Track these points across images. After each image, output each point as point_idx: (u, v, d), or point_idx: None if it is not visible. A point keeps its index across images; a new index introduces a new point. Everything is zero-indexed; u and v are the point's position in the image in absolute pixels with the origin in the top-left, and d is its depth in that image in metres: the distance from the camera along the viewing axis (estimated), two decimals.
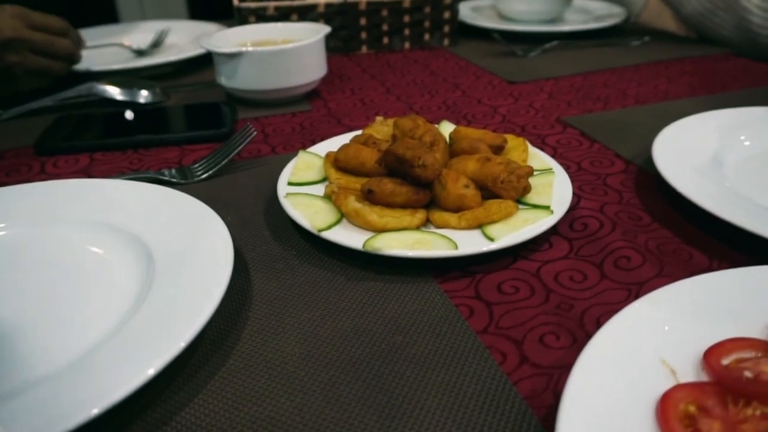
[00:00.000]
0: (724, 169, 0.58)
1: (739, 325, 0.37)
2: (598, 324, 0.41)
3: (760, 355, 0.34)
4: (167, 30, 1.15)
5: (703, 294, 0.39)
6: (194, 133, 0.74)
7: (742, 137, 0.64)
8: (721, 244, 0.50)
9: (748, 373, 0.32)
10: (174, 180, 0.63)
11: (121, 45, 1.13)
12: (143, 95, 0.89)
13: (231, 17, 1.12)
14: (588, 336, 0.39)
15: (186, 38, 1.16)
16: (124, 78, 0.92)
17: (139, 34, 1.18)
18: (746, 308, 0.38)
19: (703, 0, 1.04)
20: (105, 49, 1.11)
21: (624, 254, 0.49)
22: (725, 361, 0.34)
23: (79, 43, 0.93)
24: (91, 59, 1.01)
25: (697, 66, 0.99)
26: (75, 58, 0.92)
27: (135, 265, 0.46)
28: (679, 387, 0.32)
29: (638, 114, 0.79)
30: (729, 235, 0.50)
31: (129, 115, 0.82)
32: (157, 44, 1.11)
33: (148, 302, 0.41)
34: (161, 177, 0.63)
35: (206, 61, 1.01)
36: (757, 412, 0.30)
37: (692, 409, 0.31)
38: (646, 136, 0.67)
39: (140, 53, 1.09)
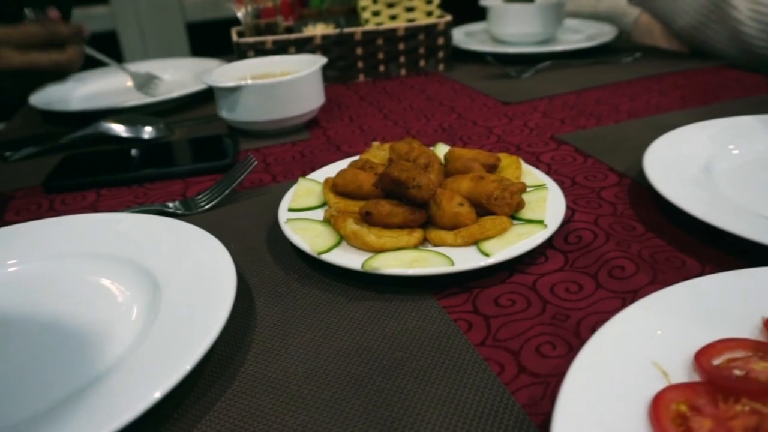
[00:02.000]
0: (715, 178, 0.59)
1: (729, 327, 0.38)
2: (594, 332, 0.42)
3: (750, 354, 0.35)
4: (154, 76, 1.16)
5: (693, 297, 0.40)
6: (197, 165, 0.76)
7: (731, 146, 0.65)
8: (713, 250, 0.51)
9: (737, 371, 0.33)
10: (179, 211, 0.65)
11: (122, 68, 1.14)
12: (147, 131, 0.91)
13: (231, 53, 1.15)
14: (584, 344, 0.40)
15: (188, 74, 1.19)
16: (129, 116, 0.95)
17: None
18: (736, 310, 0.39)
19: (695, 13, 1.06)
20: (109, 88, 1.14)
21: (618, 264, 0.50)
22: (716, 362, 0.35)
23: (78, 53, 0.88)
24: (96, 99, 1.04)
25: (689, 79, 1.01)
26: (74, 67, 0.88)
27: (143, 293, 0.48)
28: (671, 388, 0.33)
29: (631, 128, 0.80)
30: (720, 241, 0.51)
31: (134, 151, 0.85)
32: (152, 78, 1.13)
33: (154, 329, 0.43)
34: (166, 209, 0.65)
35: (208, 95, 1.04)
36: (747, 408, 0.31)
37: (684, 408, 0.32)
38: (639, 149, 0.68)
39: (141, 86, 1.12)
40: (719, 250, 0.51)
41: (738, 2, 1.01)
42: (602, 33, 1.27)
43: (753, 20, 1.01)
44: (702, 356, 0.35)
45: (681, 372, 0.35)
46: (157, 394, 0.35)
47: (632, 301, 0.45)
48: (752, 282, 0.41)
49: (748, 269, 0.42)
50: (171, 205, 0.65)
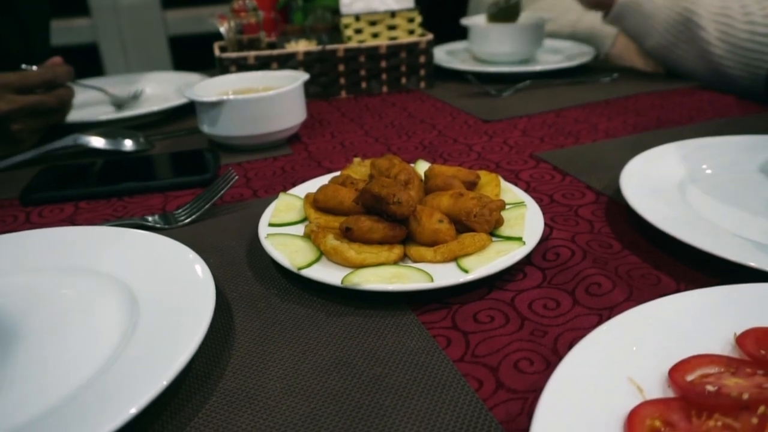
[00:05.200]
0: (689, 197, 0.61)
1: (703, 343, 0.38)
2: (571, 348, 0.42)
3: (722, 370, 0.36)
4: (141, 90, 1.16)
5: (668, 314, 0.41)
6: (178, 179, 0.76)
7: (704, 166, 0.67)
8: (687, 268, 0.52)
9: (710, 387, 0.34)
10: (158, 225, 0.64)
11: (105, 92, 1.14)
12: (127, 144, 0.91)
13: (213, 67, 1.15)
14: (561, 360, 0.41)
15: (169, 88, 1.19)
16: (108, 128, 0.94)
17: (125, 86, 1.20)
18: (709, 326, 0.40)
19: (666, 33, 1.09)
20: (89, 100, 1.13)
21: (595, 281, 0.51)
22: (690, 377, 0.36)
23: (70, 92, 0.94)
24: (75, 111, 1.03)
25: (664, 99, 1.03)
26: (69, 106, 0.94)
27: (120, 307, 0.47)
28: (645, 404, 0.34)
29: (608, 147, 0.82)
30: (694, 259, 0.52)
31: (113, 164, 0.84)
32: (135, 97, 1.13)
33: (132, 343, 0.42)
34: (145, 223, 0.64)
35: (189, 109, 1.04)
36: (719, 423, 0.31)
37: (658, 424, 0.32)
38: (616, 167, 0.69)
39: (120, 106, 1.11)
40: (693, 268, 0.52)
41: (706, 23, 1.04)
42: (581, 53, 1.29)
43: (720, 41, 1.04)
44: (676, 372, 0.36)
45: (656, 387, 0.36)
46: (134, 410, 0.35)
47: (608, 317, 0.45)
48: (724, 299, 0.42)
49: (721, 287, 0.43)
50: (150, 218, 0.65)
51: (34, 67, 0.90)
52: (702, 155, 0.69)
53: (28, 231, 0.59)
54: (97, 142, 0.90)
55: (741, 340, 0.38)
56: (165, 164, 0.84)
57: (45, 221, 0.69)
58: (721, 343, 0.38)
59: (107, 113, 1.06)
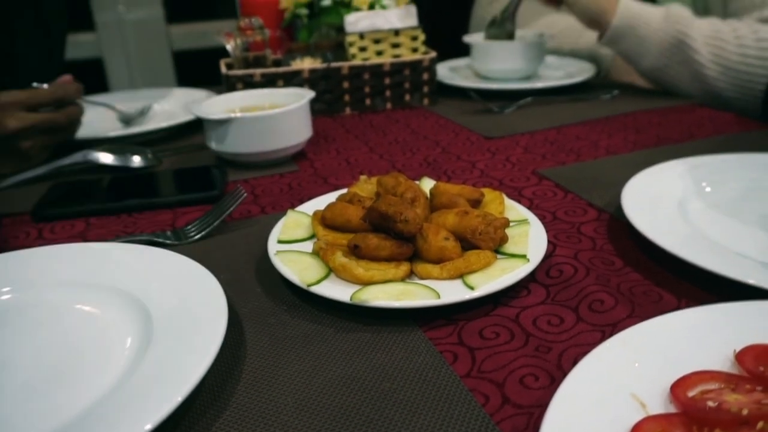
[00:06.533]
0: (689, 215, 0.62)
1: (703, 359, 0.39)
2: (575, 364, 0.43)
3: (722, 386, 0.37)
4: (149, 105, 1.18)
5: (669, 331, 0.42)
6: (186, 196, 0.77)
7: (704, 183, 0.68)
8: (688, 285, 0.53)
9: (711, 403, 0.35)
10: (168, 242, 0.65)
11: (113, 108, 1.15)
12: (136, 161, 0.92)
13: (219, 83, 1.17)
14: (565, 375, 0.42)
15: (177, 105, 1.21)
16: (117, 145, 0.96)
17: (132, 102, 1.22)
18: (710, 343, 0.41)
19: (659, 55, 1.11)
20: (97, 116, 1.15)
21: (598, 298, 0.52)
22: (691, 393, 0.37)
23: (79, 109, 0.95)
24: (84, 128, 1.04)
25: (664, 117, 1.04)
26: (78, 123, 0.96)
27: (134, 323, 0.48)
28: (648, 419, 0.35)
29: (609, 164, 0.83)
30: (695, 276, 0.53)
31: (122, 180, 0.85)
32: (143, 113, 1.15)
33: (146, 359, 0.43)
34: (156, 239, 0.65)
35: (196, 125, 1.06)
36: None
37: None
38: (617, 185, 0.70)
39: (128, 122, 1.13)
40: (694, 285, 0.53)
41: (699, 45, 1.07)
42: (581, 70, 1.31)
43: (713, 62, 1.07)
44: (677, 388, 0.37)
45: (658, 403, 0.37)
46: (149, 426, 0.36)
47: (611, 334, 0.47)
48: (724, 317, 0.43)
49: (721, 304, 0.44)
50: (161, 235, 0.66)
51: (45, 85, 0.91)
52: (701, 173, 0.70)
53: (42, 247, 0.60)
54: (106, 158, 0.91)
55: (740, 356, 0.39)
56: (173, 181, 0.86)
57: (57, 237, 0.70)
58: (721, 360, 0.40)
59: (115, 129, 1.07)
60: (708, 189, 0.68)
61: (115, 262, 0.57)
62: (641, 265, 0.57)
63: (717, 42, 1.06)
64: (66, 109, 0.92)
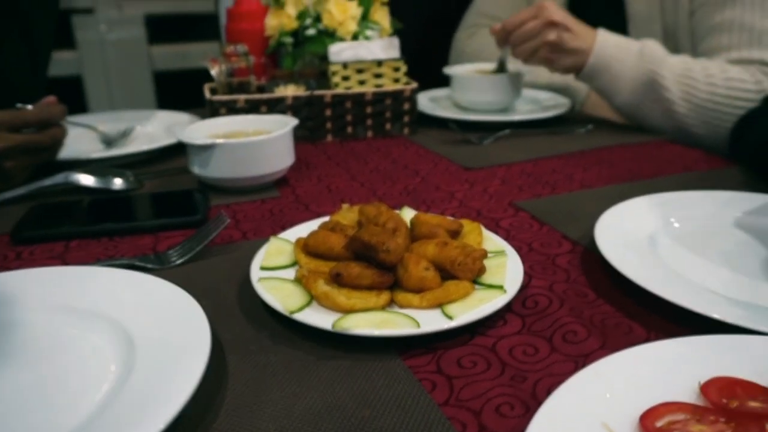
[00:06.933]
0: (658, 249, 0.65)
1: (671, 390, 0.41)
2: (549, 393, 0.45)
3: (689, 417, 0.39)
4: (132, 127, 1.18)
5: (639, 363, 0.44)
6: (168, 220, 0.78)
7: (672, 219, 0.71)
8: (657, 318, 0.55)
9: None
10: (150, 266, 0.66)
11: (95, 129, 1.16)
12: (117, 183, 0.92)
13: (199, 105, 1.18)
14: (540, 404, 0.43)
15: (159, 127, 1.21)
16: (98, 167, 0.96)
17: (114, 123, 1.22)
18: (677, 375, 0.43)
19: (632, 92, 1.16)
20: (78, 137, 1.15)
21: (571, 329, 0.54)
22: (659, 424, 0.38)
23: (62, 130, 0.95)
24: (65, 148, 1.04)
25: (636, 152, 1.08)
26: (60, 144, 0.96)
27: (116, 349, 0.49)
28: None
29: (583, 198, 0.86)
30: (664, 309, 0.55)
31: (103, 202, 0.85)
32: (125, 135, 1.15)
33: (128, 385, 0.44)
34: (137, 263, 0.66)
35: (177, 148, 1.06)
36: None
37: None
38: (591, 218, 0.73)
39: (109, 143, 1.13)
40: (663, 318, 0.55)
41: (669, 84, 1.12)
42: (557, 104, 1.35)
43: (684, 100, 1.12)
44: (646, 419, 0.38)
45: None
46: None
47: (584, 364, 0.48)
48: (691, 350, 0.45)
49: (688, 338, 0.46)
50: (143, 258, 0.67)
51: (30, 106, 0.91)
52: (670, 209, 0.73)
53: (21, 270, 0.60)
54: (87, 180, 0.91)
55: (705, 388, 0.41)
56: (155, 204, 0.86)
57: (36, 259, 0.70)
58: (688, 392, 0.41)
59: (97, 151, 1.07)
60: (676, 224, 0.70)
61: (97, 285, 0.57)
62: (613, 297, 0.59)
63: (687, 81, 1.11)
64: (50, 131, 0.91)
